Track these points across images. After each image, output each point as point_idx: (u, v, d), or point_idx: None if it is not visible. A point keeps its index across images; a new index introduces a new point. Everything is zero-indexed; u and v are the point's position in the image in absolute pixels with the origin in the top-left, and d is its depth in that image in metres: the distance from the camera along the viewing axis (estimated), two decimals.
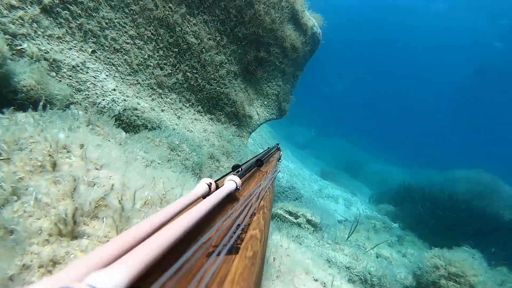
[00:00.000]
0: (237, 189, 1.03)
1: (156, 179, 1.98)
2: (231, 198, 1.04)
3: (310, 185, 11.21)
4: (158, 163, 2.81)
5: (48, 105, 2.78)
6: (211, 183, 0.93)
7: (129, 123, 3.82)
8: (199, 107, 5.05)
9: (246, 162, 1.75)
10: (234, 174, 1.10)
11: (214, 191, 0.91)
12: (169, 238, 0.53)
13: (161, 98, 4.46)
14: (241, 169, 1.36)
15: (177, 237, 0.56)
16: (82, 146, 1.72)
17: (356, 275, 4.24)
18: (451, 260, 4.58)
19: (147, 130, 3.88)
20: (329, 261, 4.25)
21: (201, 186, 0.89)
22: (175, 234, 0.55)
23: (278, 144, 3.41)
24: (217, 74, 5.09)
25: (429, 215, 10.45)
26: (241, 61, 5.50)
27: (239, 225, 0.76)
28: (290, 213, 5.54)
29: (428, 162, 28.19)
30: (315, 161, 19.97)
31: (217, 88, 5.14)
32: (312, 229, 5.29)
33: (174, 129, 4.33)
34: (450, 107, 51.19)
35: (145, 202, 1.57)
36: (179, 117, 4.67)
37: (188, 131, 4.61)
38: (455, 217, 10.10)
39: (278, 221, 5.32)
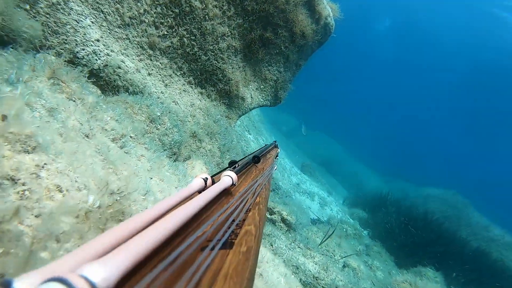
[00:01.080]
0: (233, 184, 1.03)
1: (119, 165, 1.59)
2: (227, 193, 1.03)
3: (289, 178, 10.98)
4: (131, 137, 2.42)
5: (12, 43, 2.33)
6: (207, 178, 0.92)
7: (108, 82, 3.37)
8: (191, 78, 4.62)
9: (243, 158, 1.71)
10: (230, 170, 1.09)
11: (210, 186, 0.90)
12: (163, 232, 0.54)
13: (150, 60, 4.01)
14: (238, 165, 1.35)
15: (172, 231, 0.57)
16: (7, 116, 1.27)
17: (323, 287, 4.03)
18: None
19: (127, 93, 3.44)
20: (298, 268, 4.02)
21: (197, 181, 0.87)
22: (170, 227, 0.57)
23: (275, 141, 3.22)
24: (216, 46, 4.65)
25: (400, 229, 10.45)
26: (245, 38, 5.05)
27: (234, 220, 0.74)
28: (267, 209, 5.26)
29: (406, 174, 28.52)
30: (297, 151, 19.79)
31: (214, 62, 4.71)
32: (286, 228, 5.04)
33: (158, 98, 3.90)
34: (440, 124, 51.92)
35: (80, 220, 1.14)
36: (166, 85, 4.23)
37: (173, 102, 4.19)
38: (425, 236, 10.13)
39: None
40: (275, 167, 2.03)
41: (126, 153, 2.13)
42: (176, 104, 4.21)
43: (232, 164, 1.35)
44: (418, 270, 8.09)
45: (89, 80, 2.76)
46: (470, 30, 38.75)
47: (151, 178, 2.08)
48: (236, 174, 1.08)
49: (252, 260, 0.62)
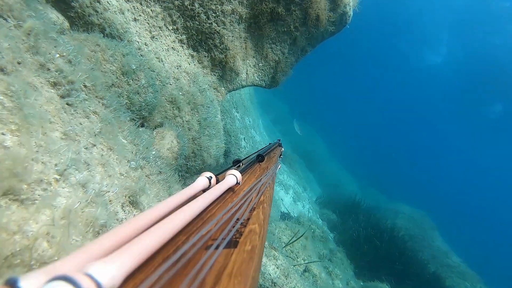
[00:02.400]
0: (237, 183, 1.02)
1: (34, 120, 1.11)
2: (231, 192, 1.01)
3: None
4: (84, 87, 1.90)
5: None
6: (211, 177, 0.91)
7: (81, 16, 2.78)
8: (183, 36, 4.06)
9: (247, 157, 1.71)
10: (235, 169, 1.06)
11: (214, 185, 0.92)
12: (168, 230, 0.55)
13: (140, 4, 3.43)
14: (242, 164, 1.37)
15: (177, 230, 0.58)
16: None
17: None
18: None
19: (101, 35, 2.87)
20: None
21: (202, 180, 0.87)
22: (175, 226, 0.57)
23: (279, 140, 3.19)
24: (220, 7, 4.09)
25: (366, 240, 10.31)
26: (253, 7, 4.50)
27: (238, 219, 0.76)
28: None
29: (383, 185, 28.70)
30: (280, 139, 19.39)
31: (213, 24, 4.15)
32: None
33: (139, 49, 3.35)
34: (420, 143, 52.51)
35: None
36: (153, 37, 3.67)
37: (157, 58, 3.63)
38: (388, 251, 10.03)
39: None
40: (279, 166, 2.03)
41: (69, 105, 1.62)
42: (159, 61, 3.66)
43: (236, 163, 1.38)
44: (375, 284, 7.97)
45: (50, 3, 2.21)
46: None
47: (94, 146, 1.59)
48: (241, 173, 1.07)
49: (256, 259, 0.61)
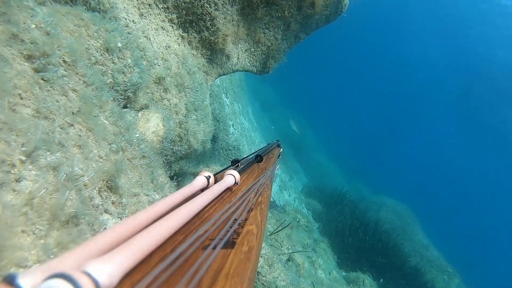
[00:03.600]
0: (235, 183, 1.02)
1: None
2: (229, 192, 1.01)
3: None
4: (64, 62, 1.78)
5: None
6: (210, 176, 0.91)
7: None
8: (174, 15, 3.90)
9: (246, 157, 1.71)
10: (233, 169, 1.08)
11: (212, 185, 0.91)
12: (166, 230, 0.55)
13: None
14: (241, 164, 1.37)
15: (175, 229, 0.58)
16: None
17: (262, 283, 3.66)
18: None
19: (85, 8, 2.71)
20: None
21: (200, 179, 0.88)
22: (173, 225, 0.57)
23: (278, 140, 3.21)
24: None
25: (351, 232, 10.41)
26: None
27: (236, 219, 0.75)
28: None
29: (369, 178, 29.03)
30: (270, 127, 19.35)
31: (205, 5, 3.99)
32: None
33: (126, 27, 3.19)
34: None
35: None
36: (142, 14, 3.51)
37: (145, 37, 3.48)
38: (372, 244, 10.15)
39: None
40: (278, 167, 2.03)
41: (45, 80, 1.50)
42: (148, 40, 3.50)
43: (235, 163, 1.37)
44: (357, 275, 8.07)
45: None
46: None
47: (71, 126, 1.48)
48: (239, 173, 1.08)
49: (253, 260, 0.61)
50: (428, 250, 13.81)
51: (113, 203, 1.49)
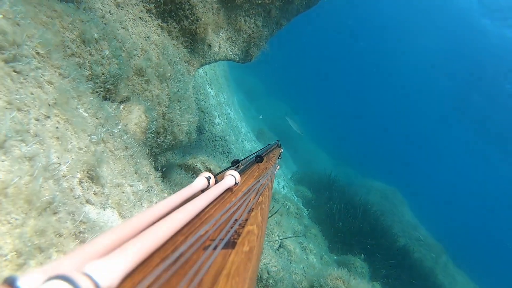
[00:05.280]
0: (236, 184, 1.02)
1: None
2: (229, 193, 1.01)
3: (242, 143, 10.50)
4: (37, 54, 1.73)
5: None
6: (210, 177, 0.92)
7: None
8: (152, 5, 3.83)
9: (246, 157, 1.71)
10: (234, 169, 1.08)
11: (213, 186, 0.92)
12: (167, 230, 0.55)
13: None
14: (241, 165, 1.38)
15: (175, 230, 0.58)
16: None
17: None
18: None
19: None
20: None
21: (200, 180, 0.88)
22: (173, 226, 0.58)
23: (278, 141, 3.22)
24: None
25: (340, 216, 10.54)
26: None
27: (236, 220, 0.76)
28: (211, 172, 4.75)
29: (356, 163, 29.36)
30: (256, 116, 19.31)
31: None
32: None
33: (103, 18, 3.12)
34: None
35: None
36: (118, 5, 3.44)
37: (123, 28, 3.42)
38: (361, 227, 10.31)
39: (193, 176, 4.51)
40: (278, 167, 2.04)
41: (17, 72, 1.47)
42: (126, 31, 3.44)
43: (235, 163, 1.36)
44: (348, 258, 8.21)
45: None
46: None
47: (47, 118, 1.45)
48: (239, 174, 1.07)
49: (254, 261, 0.62)
50: (416, 230, 14.12)
51: (95, 193, 1.48)
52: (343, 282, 4.14)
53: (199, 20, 4.22)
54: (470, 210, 43.98)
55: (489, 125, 40.82)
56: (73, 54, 2.44)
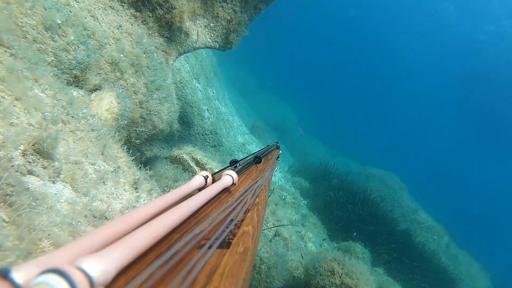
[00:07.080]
0: (233, 184, 1.03)
1: None
2: (226, 192, 1.03)
3: (235, 136, 10.42)
4: None
5: None
6: (207, 176, 0.93)
7: None
8: None
9: (244, 158, 1.69)
10: (231, 169, 1.10)
11: (210, 185, 0.92)
12: (162, 228, 0.55)
13: None
14: (239, 165, 1.37)
15: (170, 227, 0.58)
16: None
17: None
18: (349, 271, 4.16)
19: None
20: None
21: (198, 179, 0.88)
22: (169, 224, 0.58)
23: (277, 142, 3.28)
24: None
25: (338, 204, 10.50)
26: None
27: (232, 220, 0.77)
28: (197, 163, 4.70)
29: (353, 151, 29.34)
30: (249, 110, 19.24)
31: None
32: None
33: (68, 5, 3.04)
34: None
35: None
36: None
37: (92, 17, 3.34)
38: (360, 214, 10.28)
39: (178, 168, 4.45)
40: (276, 168, 2.06)
41: None
42: (95, 20, 3.36)
43: (233, 163, 1.36)
44: (349, 244, 8.18)
45: None
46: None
47: None
48: (237, 174, 1.08)
49: (248, 261, 0.62)
50: (417, 213, 14.13)
51: (44, 167, 1.42)
52: (338, 264, 4.09)
53: (174, 8, 4.15)
54: (471, 193, 44.13)
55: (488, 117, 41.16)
56: (34, 40, 2.37)
